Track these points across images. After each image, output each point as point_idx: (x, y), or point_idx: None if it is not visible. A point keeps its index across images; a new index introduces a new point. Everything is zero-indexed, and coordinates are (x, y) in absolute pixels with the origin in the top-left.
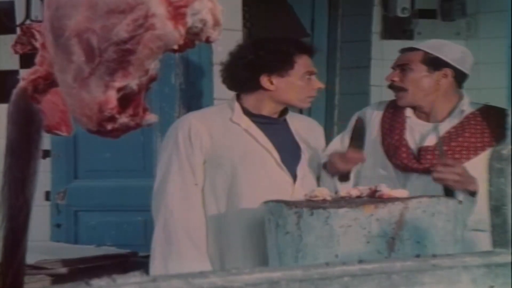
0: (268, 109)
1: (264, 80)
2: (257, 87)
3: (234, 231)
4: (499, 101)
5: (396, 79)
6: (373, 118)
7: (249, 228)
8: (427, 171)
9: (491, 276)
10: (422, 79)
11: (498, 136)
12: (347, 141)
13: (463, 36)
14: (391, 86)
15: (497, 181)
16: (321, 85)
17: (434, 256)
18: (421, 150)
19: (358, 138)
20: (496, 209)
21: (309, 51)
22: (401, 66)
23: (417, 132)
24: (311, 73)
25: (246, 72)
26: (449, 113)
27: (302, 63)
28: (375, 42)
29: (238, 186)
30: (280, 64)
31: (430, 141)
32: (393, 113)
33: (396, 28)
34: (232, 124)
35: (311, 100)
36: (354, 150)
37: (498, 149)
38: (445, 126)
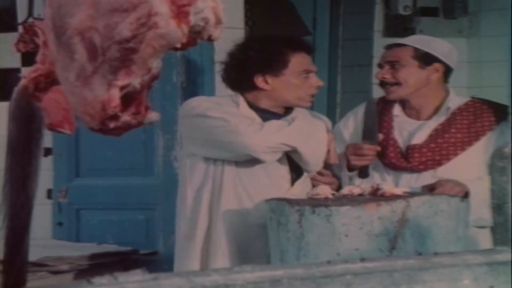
0: (268, 107)
1: (259, 81)
2: (253, 87)
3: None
4: (500, 99)
5: (387, 76)
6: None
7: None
8: (416, 170)
9: (493, 274)
10: (414, 74)
11: (484, 130)
12: (348, 131)
13: (465, 34)
14: (382, 83)
15: (499, 180)
16: (320, 83)
17: (436, 254)
18: (409, 149)
19: (370, 131)
20: (498, 208)
21: (305, 48)
22: (391, 63)
23: (406, 131)
24: (308, 71)
25: (240, 72)
26: (436, 111)
27: (298, 61)
28: (377, 40)
29: (241, 181)
30: (273, 64)
31: (418, 139)
32: (381, 112)
33: (398, 26)
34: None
35: (311, 98)
36: (368, 145)
37: (500, 147)
38: (432, 124)
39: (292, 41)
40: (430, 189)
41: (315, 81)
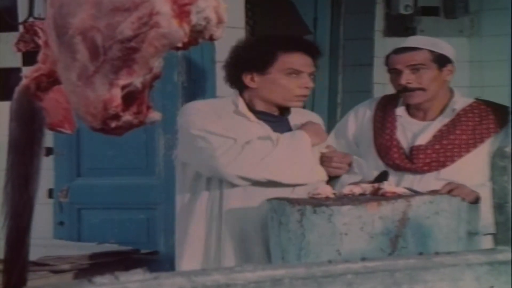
0: (262, 107)
1: (247, 79)
2: (244, 85)
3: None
4: (501, 99)
5: (411, 81)
6: (366, 118)
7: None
8: (420, 171)
9: (494, 274)
10: (436, 78)
11: (489, 132)
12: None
13: (466, 34)
14: (405, 89)
15: (500, 179)
16: (309, 84)
17: (437, 253)
18: (413, 149)
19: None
20: (499, 207)
21: (302, 49)
22: (414, 67)
23: (409, 131)
24: (296, 71)
25: (232, 70)
26: (441, 111)
27: (286, 60)
28: (378, 39)
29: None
30: (258, 62)
31: (423, 140)
32: (384, 112)
33: (399, 26)
34: (237, 116)
35: (300, 99)
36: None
37: (501, 146)
38: (436, 125)
39: (286, 41)
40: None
41: (304, 82)
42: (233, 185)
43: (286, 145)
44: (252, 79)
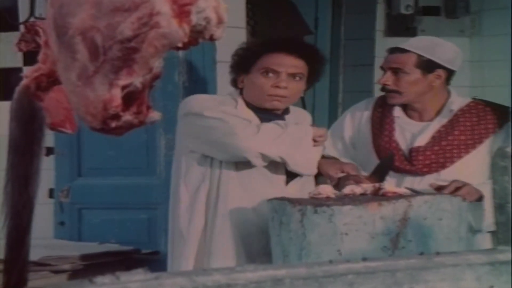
0: (258, 107)
1: (239, 80)
2: (238, 88)
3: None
4: (502, 99)
5: (389, 82)
6: (364, 119)
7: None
8: (420, 173)
9: (495, 274)
10: (416, 83)
11: (488, 132)
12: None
13: (467, 34)
14: (384, 89)
15: (501, 179)
16: (281, 83)
17: (438, 253)
18: (412, 151)
19: (381, 172)
20: (499, 207)
21: (284, 49)
22: (394, 69)
23: (408, 132)
24: (272, 70)
25: (230, 73)
26: (438, 112)
27: (264, 60)
28: (378, 39)
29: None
30: (244, 62)
31: (421, 141)
32: (382, 113)
33: (400, 26)
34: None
35: (274, 99)
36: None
37: (502, 147)
38: (434, 126)
39: (270, 42)
40: (438, 188)
41: (277, 81)
42: (233, 184)
43: (294, 130)
44: (242, 81)
